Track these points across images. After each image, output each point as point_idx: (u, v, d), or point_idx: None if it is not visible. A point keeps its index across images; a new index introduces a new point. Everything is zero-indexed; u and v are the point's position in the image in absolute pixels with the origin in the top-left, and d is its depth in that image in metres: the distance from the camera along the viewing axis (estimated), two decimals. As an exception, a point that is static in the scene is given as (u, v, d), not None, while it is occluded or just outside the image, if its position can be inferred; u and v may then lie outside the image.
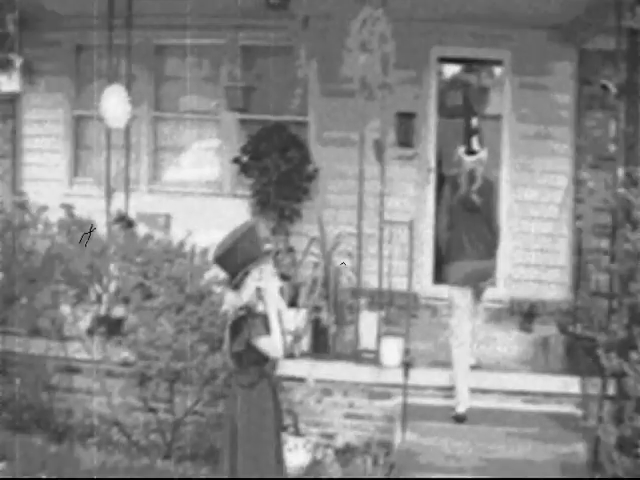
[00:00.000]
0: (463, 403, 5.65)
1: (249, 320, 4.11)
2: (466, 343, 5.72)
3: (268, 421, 4.16)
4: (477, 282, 5.80)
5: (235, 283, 4.12)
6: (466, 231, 5.74)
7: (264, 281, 4.13)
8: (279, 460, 4.25)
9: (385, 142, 6.11)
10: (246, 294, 4.14)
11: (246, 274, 4.11)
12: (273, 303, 4.14)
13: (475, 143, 5.77)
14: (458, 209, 5.78)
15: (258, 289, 4.14)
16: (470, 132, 5.82)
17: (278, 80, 7.85)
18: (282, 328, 4.24)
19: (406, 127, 7.44)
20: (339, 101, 7.30)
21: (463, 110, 6.39)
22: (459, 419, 5.62)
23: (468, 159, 5.77)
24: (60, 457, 5.43)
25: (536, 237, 7.53)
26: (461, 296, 5.70)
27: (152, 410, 5.66)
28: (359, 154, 6.04)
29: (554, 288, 7.45)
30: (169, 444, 5.62)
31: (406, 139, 7.46)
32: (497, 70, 8.05)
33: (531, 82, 7.52)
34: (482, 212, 5.76)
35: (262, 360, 4.17)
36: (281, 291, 4.27)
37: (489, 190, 5.84)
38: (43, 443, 5.60)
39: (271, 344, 4.11)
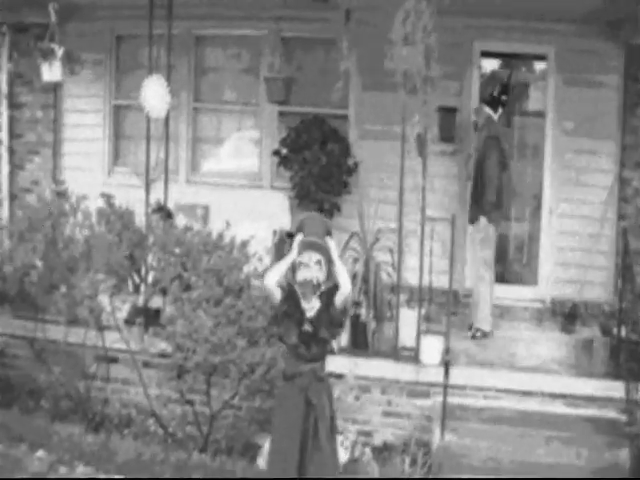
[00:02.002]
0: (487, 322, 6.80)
1: None
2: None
3: (292, 419, 4.09)
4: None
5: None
6: (506, 184, 7.01)
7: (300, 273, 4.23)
8: (306, 464, 4.07)
9: (427, 137, 6.02)
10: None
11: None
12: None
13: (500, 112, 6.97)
14: (503, 167, 6.89)
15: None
16: (503, 104, 6.96)
17: (319, 72, 7.80)
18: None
19: (448, 122, 7.32)
20: (380, 94, 7.17)
21: (504, 85, 7.15)
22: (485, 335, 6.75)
23: (500, 126, 6.95)
24: (97, 446, 5.43)
25: (579, 237, 7.35)
26: (494, 230, 6.94)
27: (189, 402, 5.64)
28: (400, 148, 5.96)
29: (597, 289, 7.29)
30: (205, 437, 5.60)
31: (448, 134, 7.35)
32: (538, 66, 7.90)
33: (575, 78, 7.33)
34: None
35: (292, 355, 4.19)
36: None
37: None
38: (80, 432, 5.61)
39: None
